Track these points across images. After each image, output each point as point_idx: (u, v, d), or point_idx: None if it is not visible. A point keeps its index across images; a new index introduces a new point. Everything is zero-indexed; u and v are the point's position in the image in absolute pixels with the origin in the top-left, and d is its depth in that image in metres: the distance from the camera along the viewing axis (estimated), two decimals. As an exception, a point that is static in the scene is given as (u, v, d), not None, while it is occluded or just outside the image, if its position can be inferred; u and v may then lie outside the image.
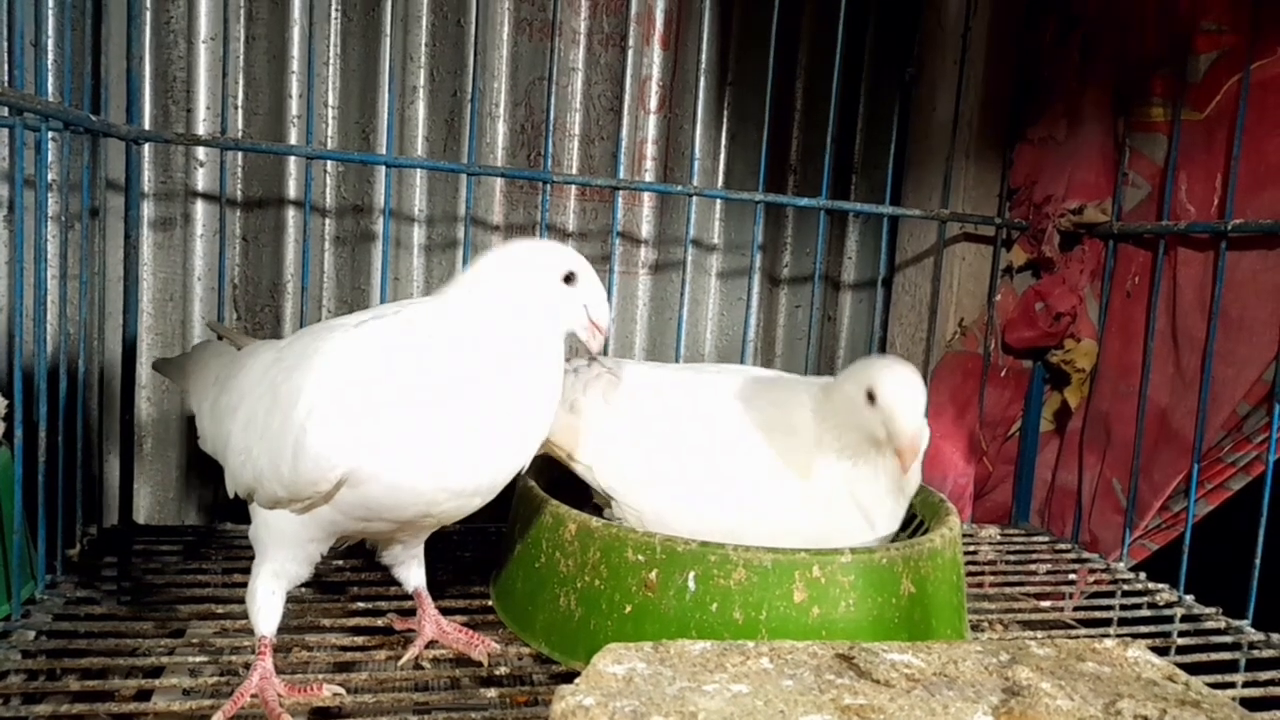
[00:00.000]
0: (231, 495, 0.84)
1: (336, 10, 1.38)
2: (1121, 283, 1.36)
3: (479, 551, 1.19)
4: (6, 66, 1.07)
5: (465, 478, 0.78)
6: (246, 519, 0.85)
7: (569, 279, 0.84)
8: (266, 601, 0.81)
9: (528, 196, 1.49)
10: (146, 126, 1.29)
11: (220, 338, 1.09)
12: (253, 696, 0.77)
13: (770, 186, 1.50)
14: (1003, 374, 1.47)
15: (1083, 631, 1.13)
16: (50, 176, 1.15)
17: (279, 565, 0.81)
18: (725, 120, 1.58)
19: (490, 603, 1.03)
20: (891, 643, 0.77)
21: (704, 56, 1.49)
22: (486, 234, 1.48)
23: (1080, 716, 0.66)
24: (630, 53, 1.51)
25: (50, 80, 1.13)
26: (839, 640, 0.78)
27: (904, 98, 1.58)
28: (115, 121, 1.20)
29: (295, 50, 1.36)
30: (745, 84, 1.56)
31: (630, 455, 1.00)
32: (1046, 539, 1.43)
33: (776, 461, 0.97)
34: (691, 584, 0.83)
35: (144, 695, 0.83)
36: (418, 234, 1.45)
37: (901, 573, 0.87)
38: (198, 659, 0.87)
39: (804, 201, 1.45)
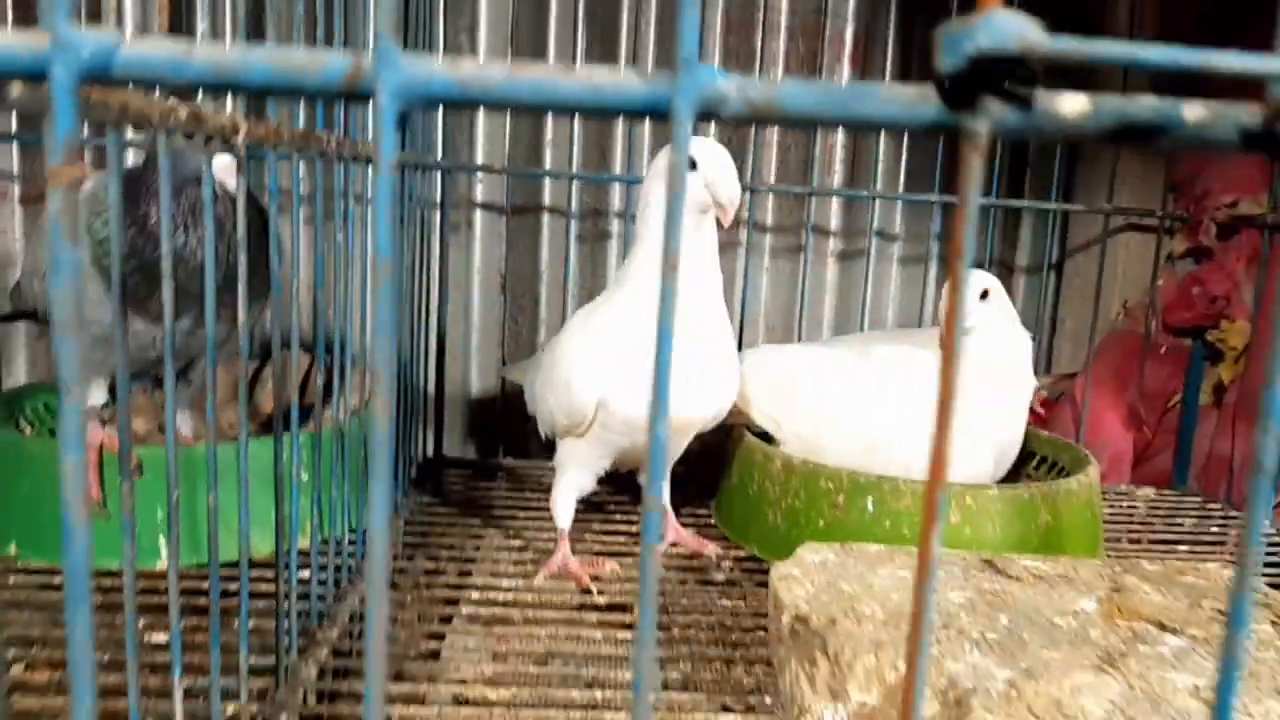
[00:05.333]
0: (544, 436, 1.20)
1: (581, 47, 1.71)
2: (1276, 268, 1.48)
3: (701, 483, 1.49)
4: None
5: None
6: (513, 454, 1.33)
7: (692, 165, 0.97)
8: (564, 504, 1.15)
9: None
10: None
11: None
12: (559, 567, 1.11)
13: (947, 181, 1.71)
14: (1162, 351, 1.62)
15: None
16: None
17: (572, 477, 1.15)
18: (906, 125, 1.79)
19: (712, 519, 1.34)
20: (1025, 554, 1.02)
21: (888, 72, 1.72)
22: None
23: (1168, 606, 0.88)
24: (822, 71, 1.76)
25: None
26: (985, 552, 1.03)
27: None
28: (429, 157, 1.58)
29: (550, 86, 1.71)
30: (925, 92, 1.77)
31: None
32: (1199, 499, 1.58)
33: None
34: (870, 506, 1.10)
35: (465, 573, 1.20)
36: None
37: (1040, 506, 1.10)
38: (500, 548, 1.23)
39: (980, 201, 1.64)
